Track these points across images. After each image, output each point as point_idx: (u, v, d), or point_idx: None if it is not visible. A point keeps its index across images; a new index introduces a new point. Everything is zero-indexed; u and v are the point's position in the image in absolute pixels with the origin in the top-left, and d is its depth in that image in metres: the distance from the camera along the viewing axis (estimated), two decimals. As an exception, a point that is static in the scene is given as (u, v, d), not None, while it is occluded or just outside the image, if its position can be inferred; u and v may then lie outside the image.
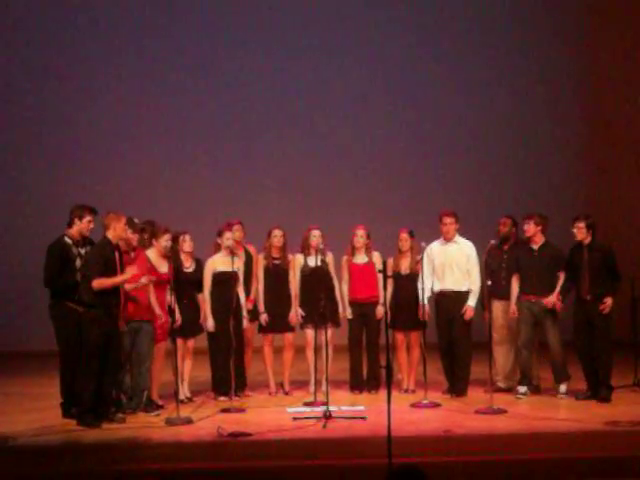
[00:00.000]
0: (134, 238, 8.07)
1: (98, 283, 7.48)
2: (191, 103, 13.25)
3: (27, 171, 13.01)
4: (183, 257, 8.69)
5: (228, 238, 8.68)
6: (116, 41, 13.15)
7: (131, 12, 13.22)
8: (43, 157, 13.01)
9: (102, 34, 13.11)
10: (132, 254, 8.07)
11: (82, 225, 7.88)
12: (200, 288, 8.74)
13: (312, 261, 8.84)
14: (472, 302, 8.75)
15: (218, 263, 8.69)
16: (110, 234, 7.68)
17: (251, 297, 8.99)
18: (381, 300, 8.91)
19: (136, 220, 8.12)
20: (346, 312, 9.05)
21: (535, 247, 8.72)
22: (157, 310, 8.18)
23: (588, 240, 8.40)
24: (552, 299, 8.53)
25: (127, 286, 7.79)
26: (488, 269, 8.80)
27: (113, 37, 13.15)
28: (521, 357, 8.70)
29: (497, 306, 8.93)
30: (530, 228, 8.70)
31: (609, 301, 8.27)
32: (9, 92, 13.09)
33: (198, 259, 8.82)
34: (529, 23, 13.55)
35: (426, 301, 8.77)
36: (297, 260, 9.08)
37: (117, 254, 7.69)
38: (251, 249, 9.17)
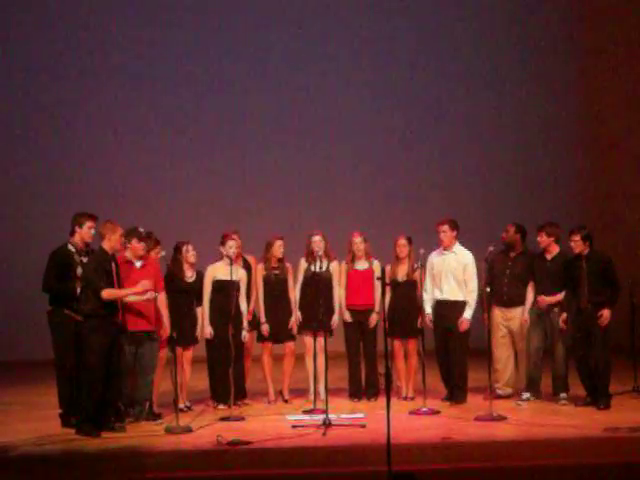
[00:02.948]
0: (138, 247, 8.06)
1: (109, 294, 7.50)
2: (191, 113, 13.29)
3: (28, 182, 13.02)
4: (185, 267, 8.69)
5: (231, 246, 8.68)
6: (119, 49, 13.19)
7: (133, 18, 13.24)
8: (44, 167, 13.02)
9: (106, 40, 13.15)
10: (137, 263, 8.07)
11: (83, 232, 7.89)
12: (200, 299, 8.74)
13: (315, 267, 8.85)
14: (468, 314, 8.73)
15: (219, 271, 8.69)
16: (105, 244, 7.70)
17: (250, 308, 8.96)
18: (376, 308, 8.93)
19: (142, 229, 8.13)
20: (345, 316, 9.04)
21: (549, 257, 8.75)
22: (165, 321, 8.20)
23: (586, 251, 8.42)
24: (544, 298, 8.56)
25: (131, 297, 7.80)
26: (489, 276, 8.80)
27: (116, 44, 13.18)
28: (530, 363, 8.72)
29: (497, 313, 8.94)
30: (542, 240, 8.74)
31: (606, 313, 8.28)
32: (11, 98, 13.13)
33: (199, 270, 8.82)
34: (530, 31, 13.59)
35: (429, 309, 8.79)
36: (301, 265, 9.08)
37: (113, 265, 7.71)
38: (251, 259, 9.15)
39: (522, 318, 8.81)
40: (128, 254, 8.08)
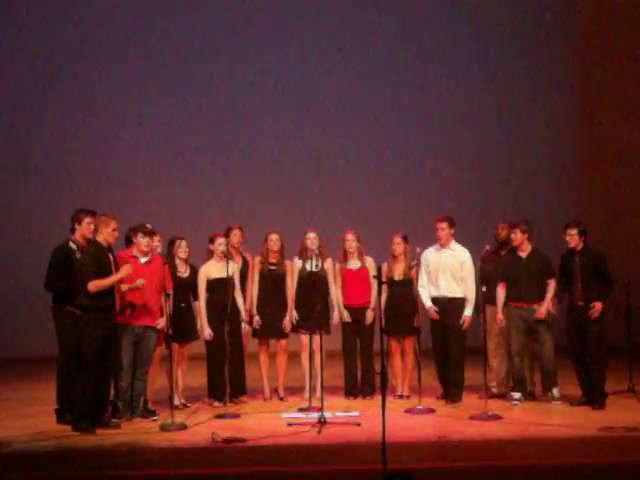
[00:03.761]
0: (142, 243, 8.04)
1: (94, 285, 7.47)
2: (188, 109, 13.29)
3: (29, 178, 13.02)
4: (178, 262, 8.69)
5: (220, 244, 8.67)
6: (116, 44, 13.19)
7: (132, 16, 13.24)
8: (43, 164, 13.02)
9: (103, 37, 13.17)
10: (142, 259, 8.05)
11: (83, 228, 7.88)
12: (195, 294, 8.73)
13: (309, 265, 8.84)
14: (469, 312, 8.73)
15: (211, 270, 8.68)
16: (99, 237, 7.69)
17: (247, 305, 8.96)
18: (371, 305, 8.93)
19: (149, 225, 8.11)
20: (343, 315, 9.04)
21: (523, 255, 8.73)
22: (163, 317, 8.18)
23: (580, 246, 8.43)
24: (543, 310, 8.55)
25: (123, 287, 7.79)
26: (483, 274, 8.80)
27: (113, 40, 13.19)
28: (514, 364, 8.70)
29: (492, 312, 8.94)
30: (517, 237, 8.71)
31: (598, 306, 8.28)
32: (10, 95, 13.13)
33: (192, 265, 8.81)
34: (529, 29, 13.61)
35: (429, 303, 8.77)
36: (295, 264, 9.07)
37: (110, 256, 7.70)
38: (247, 256, 9.15)
39: (497, 318, 8.78)
40: (134, 250, 8.09)
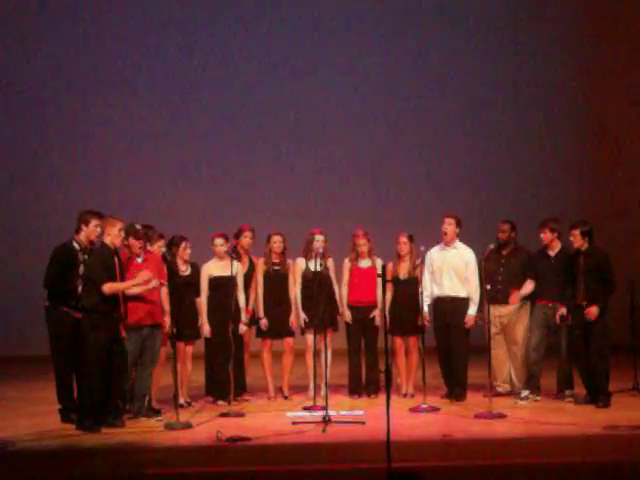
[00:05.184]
0: (136, 244, 8.01)
1: (109, 288, 7.47)
2: (191, 109, 13.28)
3: (30, 177, 13.02)
4: (179, 262, 8.69)
5: (216, 245, 8.72)
6: (120, 46, 13.18)
7: (136, 17, 13.25)
8: (46, 163, 13.02)
9: (109, 40, 13.16)
10: (138, 259, 8.03)
11: (89, 230, 7.85)
12: (197, 292, 8.74)
13: (314, 265, 8.84)
14: (472, 311, 8.73)
15: (213, 268, 8.71)
16: (107, 239, 7.69)
17: (249, 308, 8.96)
18: (379, 306, 8.93)
19: (138, 226, 8.09)
20: (345, 315, 9.05)
21: (552, 253, 8.73)
22: (166, 315, 8.18)
23: (585, 247, 8.41)
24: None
25: (135, 289, 7.77)
26: (486, 274, 8.80)
27: (118, 42, 13.19)
28: (530, 360, 8.70)
29: (493, 311, 8.92)
30: (547, 236, 8.71)
31: (593, 309, 8.24)
32: (16, 96, 13.15)
33: (193, 263, 8.82)
34: (526, 30, 13.59)
35: (426, 308, 8.78)
36: (298, 264, 9.07)
37: (116, 259, 7.69)
38: (255, 259, 9.13)
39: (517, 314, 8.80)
40: (128, 250, 8.08)
